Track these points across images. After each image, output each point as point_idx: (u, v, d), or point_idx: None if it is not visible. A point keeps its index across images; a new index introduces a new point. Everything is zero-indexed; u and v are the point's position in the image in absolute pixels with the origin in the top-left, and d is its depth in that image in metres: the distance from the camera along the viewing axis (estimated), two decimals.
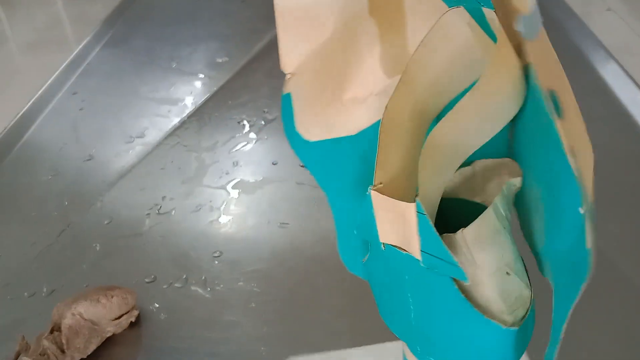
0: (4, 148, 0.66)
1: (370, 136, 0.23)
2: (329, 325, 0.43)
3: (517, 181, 0.21)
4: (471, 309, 0.20)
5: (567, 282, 0.19)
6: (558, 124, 0.17)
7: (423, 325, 0.23)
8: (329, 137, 0.23)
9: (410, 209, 0.19)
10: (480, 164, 0.23)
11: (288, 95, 0.22)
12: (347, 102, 0.22)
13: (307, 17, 0.19)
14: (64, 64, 0.80)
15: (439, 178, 0.22)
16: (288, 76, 0.21)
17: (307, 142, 0.23)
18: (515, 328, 0.21)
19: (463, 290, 0.21)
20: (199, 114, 0.69)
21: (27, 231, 0.55)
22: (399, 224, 0.20)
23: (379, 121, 0.19)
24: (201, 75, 0.77)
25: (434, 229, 0.19)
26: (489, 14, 0.19)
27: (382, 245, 0.21)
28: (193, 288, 0.47)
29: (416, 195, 0.19)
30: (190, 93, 0.73)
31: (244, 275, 0.48)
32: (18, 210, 0.58)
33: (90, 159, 0.63)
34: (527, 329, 0.23)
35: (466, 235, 0.20)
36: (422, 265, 0.20)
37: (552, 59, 0.18)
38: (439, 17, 0.18)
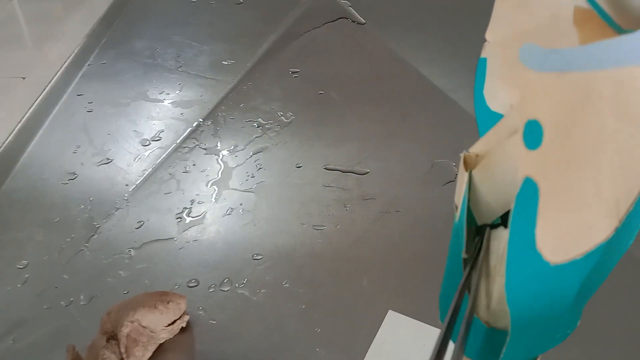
0: (14, 149, 0.63)
1: None
2: (377, 326, 0.44)
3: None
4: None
5: None
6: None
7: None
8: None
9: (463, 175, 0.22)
10: None
11: (484, 60, 0.23)
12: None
13: (520, 2, 0.21)
14: (64, 65, 0.77)
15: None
16: (487, 43, 0.23)
17: (488, 108, 0.23)
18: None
19: None
20: (212, 116, 0.69)
21: (52, 237, 0.53)
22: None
23: None
24: (208, 78, 0.76)
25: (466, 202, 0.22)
26: None
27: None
28: (239, 291, 0.47)
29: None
30: (201, 95, 0.73)
31: (288, 277, 0.48)
32: (38, 216, 0.56)
33: (108, 162, 0.61)
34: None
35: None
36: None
37: None
38: None
